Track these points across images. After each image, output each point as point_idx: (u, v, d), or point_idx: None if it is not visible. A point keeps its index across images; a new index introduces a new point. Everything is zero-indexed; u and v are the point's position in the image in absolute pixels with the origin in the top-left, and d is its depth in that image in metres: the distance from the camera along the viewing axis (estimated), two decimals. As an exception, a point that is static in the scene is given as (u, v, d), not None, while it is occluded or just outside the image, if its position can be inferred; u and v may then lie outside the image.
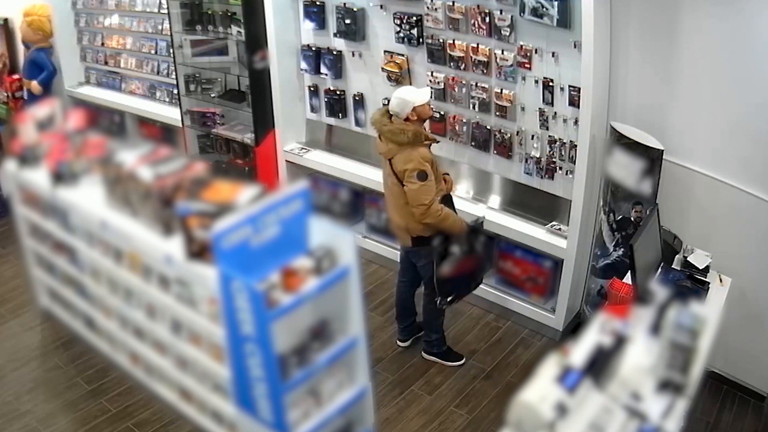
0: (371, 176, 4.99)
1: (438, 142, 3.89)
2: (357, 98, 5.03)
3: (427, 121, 3.90)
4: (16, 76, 6.28)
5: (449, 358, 4.23)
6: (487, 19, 4.09)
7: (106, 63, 6.54)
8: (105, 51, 6.50)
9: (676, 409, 1.89)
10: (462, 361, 4.23)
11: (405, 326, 4.35)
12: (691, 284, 3.32)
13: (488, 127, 4.39)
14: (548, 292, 4.51)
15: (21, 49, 6.22)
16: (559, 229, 4.29)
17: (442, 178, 3.89)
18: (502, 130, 4.32)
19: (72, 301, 2.95)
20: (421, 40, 4.48)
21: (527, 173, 4.33)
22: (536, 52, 3.99)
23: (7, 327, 4.46)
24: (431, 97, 3.76)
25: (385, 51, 4.71)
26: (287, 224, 2.13)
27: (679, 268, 3.47)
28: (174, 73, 5.59)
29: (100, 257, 2.62)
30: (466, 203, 4.61)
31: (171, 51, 5.54)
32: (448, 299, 3.97)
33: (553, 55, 3.94)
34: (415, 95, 3.67)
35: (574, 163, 4.00)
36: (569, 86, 3.92)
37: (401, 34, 4.53)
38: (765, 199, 3.57)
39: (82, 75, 6.81)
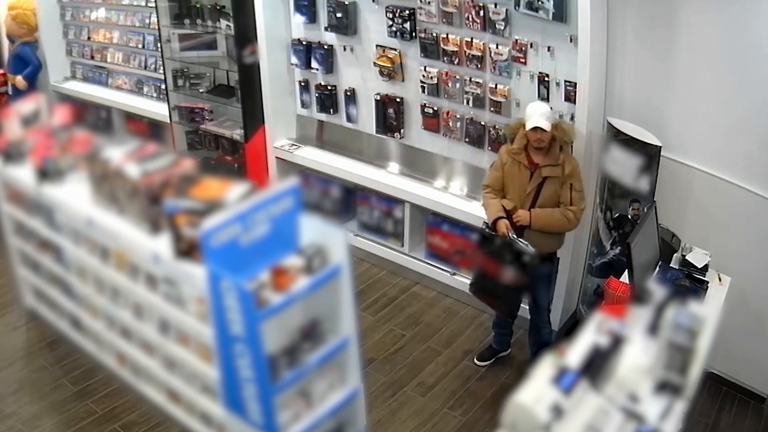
0: (363, 173, 4.97)
1: (535, 168, 3.61)
2: (348, 93, 5.00)
3: (537, 149, 3.60)
4: (0, 71, 6.21)
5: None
6: (482, 13, 4.07)
7: (92, 57, 6.48)
8: (91, 45, 6.44)
9: (675, 410, 1.88)
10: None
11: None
12: (689, 283, 3.30)
13: (483, 123, 4.36)
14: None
15: (5, 43, 6.17)
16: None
17: (513, 201, 3.71)
18: (497, 126, 4.30)
19: (58, 301, 2.94)
20: (414, 34, 4.45)
21: (521, 170, 4.31)
22: (531, 46, 3.97)
23: (-8, 327, 4.42)
24: (535, 127, 3.51)
25: (377, 45, 4.68)
26: (277, 222, 2.12)
27: (677, 267, 3.45)
28: (162, 67, 5.55)
29: (87, 256, 2.62)
30: (459, 200, 4.59)
31: (159, 45, 5.51)
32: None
33: (548, 50, 3.91)
34: (530, 116, 3.54)
35: (570, 160, 3.99)
36: (565, 81, 3.90)
37: (394, 28, 4.50)
38: (765, 197, 3.55)
39: (68, 70, 6.75)
